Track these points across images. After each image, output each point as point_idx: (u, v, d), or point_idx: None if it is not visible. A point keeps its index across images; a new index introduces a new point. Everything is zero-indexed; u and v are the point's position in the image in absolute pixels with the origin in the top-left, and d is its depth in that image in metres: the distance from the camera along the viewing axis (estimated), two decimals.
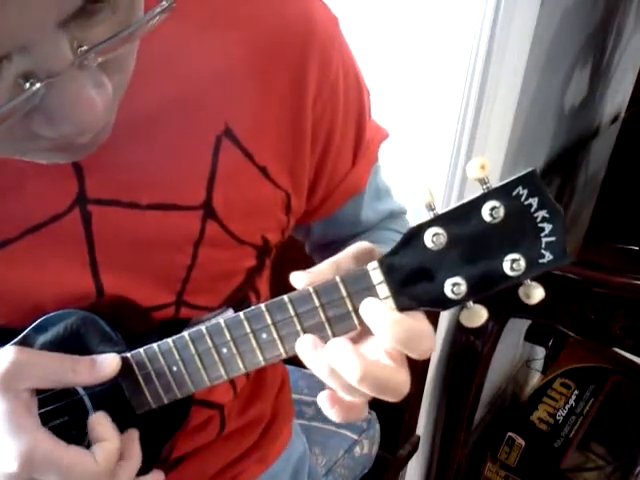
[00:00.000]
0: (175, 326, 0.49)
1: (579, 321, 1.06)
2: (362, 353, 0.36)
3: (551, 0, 1.06)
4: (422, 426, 1.29)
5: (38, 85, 0.29)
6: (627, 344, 1.07)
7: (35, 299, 0.45)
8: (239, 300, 0.55)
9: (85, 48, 0.29)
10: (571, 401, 1.58)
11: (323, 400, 0.38)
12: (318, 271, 0.39)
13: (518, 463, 1.50)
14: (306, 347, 0.38)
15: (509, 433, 1.50)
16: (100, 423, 0.42)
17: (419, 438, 1.12)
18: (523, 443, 1.49)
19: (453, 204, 0.34)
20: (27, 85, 0.28)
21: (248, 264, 0.53)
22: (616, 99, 1.79)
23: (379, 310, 0.37)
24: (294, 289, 0.39)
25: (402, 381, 0.37)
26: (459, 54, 0.91)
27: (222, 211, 0.48)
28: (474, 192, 0.34)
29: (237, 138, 0.47)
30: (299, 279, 0.39)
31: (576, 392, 1.60)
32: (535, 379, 1.83)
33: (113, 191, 0.44)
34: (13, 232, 0.43)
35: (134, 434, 0.44)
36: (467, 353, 1.21)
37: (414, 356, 0.37)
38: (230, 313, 0.54)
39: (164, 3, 0.31)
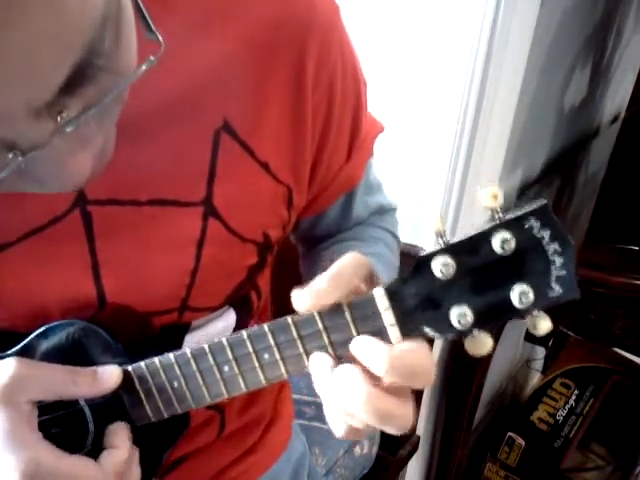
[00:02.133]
0: (176, 331, 0.49)
1: (579, 321, 1.06)
2: (369, 381, 0.35)
3: (551, 0, 1.06)
4: (422, 426, 1.29)
5: (20, 158, 0.28)
6: (627, 344, 1.07)
7: (37, 302, 0.45)
8: (240, 299, 0.55)
9: (67, 114, 0.28)
10: (571, 401, 1.58)
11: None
12: (319, 290, 0.37)
13: (518, 463, 1.50)
14: (321, 365, 0.37)
15: (509, 433, 1.50)
16: (119, 431, 0.42)
17: (419, 438, 1.12)
18: (523, 443, 1.49)
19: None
20: (10, 155, 0.28)
21: (250, 261, 0.52)
22: (616, 99, 1.79)
23: (376, 347, 0.36)
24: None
25: (404, 413, 0.36)
26: (459, 54, 0.91)
27: (223, 208, 0.47)
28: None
29: (236, 132, 0.46)
30: (302, 301, 0.37)
31: (576, 392, 1.60)
32: (535, 379, 1.83)
33: (112, 191, 0.44)
34: (13, 235, 0.43)
35: (135, 453, 0.44)
36: (467, 353, 1.20)
37: (415, 387, 0.37)
38: (231, 313, 0.54)
39: (151, 58, 0.31)
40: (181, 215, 0.46)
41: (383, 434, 1.03)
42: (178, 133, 0.45)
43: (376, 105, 0.60)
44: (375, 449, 1.01)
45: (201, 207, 0.47)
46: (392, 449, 1.06)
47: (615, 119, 1.85)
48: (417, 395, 1.11)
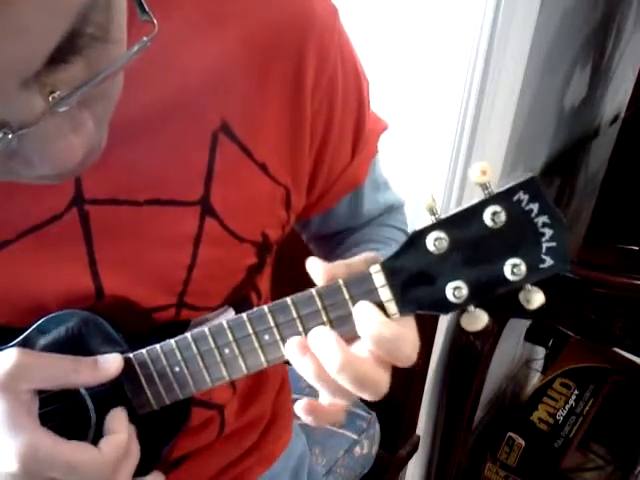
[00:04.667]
0: (176, 328, 0.49)
1: (579, 321, 1.06)
2: (344, 345, 0.37)
3: (551, 0, 1.06)
4: (422, 426, 1.29)
5: (10, 136, 0.28)
6: (627, 344, 1.07)
7: (35, 300, 0.45)
8: (239, 299, 0.55)
9: (58, 94, 0.28)
10: (571, 401, 1.58)
11: (299, 409, 0.39)
12: (331, 265, 0.39)
13: (518, 463, 1.50)
14: (293, 345, 0.39)
15: (509, 433, 1.50)
16: (117, 416, 0.43)
17: (419, 438, 1.12)
18: (523, 443, 1.49)
19: (453, 205, 0.34)
20: (0, 134, 0.28)
21: (248, 262, 0.52)
22: (616, 99, 1.79)
23: (370, 312, 0.37)
24: (296, 289, 0.39)
25: (381, 379, 0.38)
26: (459, 54, 0.91)
27: (220, 208, 0.48)
28: (474, 194, 0.34)
29: (234, 134, 0.47)
30: (316, 266, 0.39)
31: (576, 392, 1.60)
32: (535, 379, 1.83)
33: (110, 190, 0.44)
34: (11, 233, 0.43)
35: (132, 431, 0.44)
36: (467, 353, 1.21)
37: (394, 362, 0.37)
38: (230, 312, 0.54)
39: (144, 39, 0.30)
40: (178, 214, 0.46)
41: (383, 434, 1.03)
42: (176, 134, 0.45)
43: (375, 106, 0.60)
44: (375, 449, 1.01)
45: (198, 206, 0.47)
46: (392, 449, 1.07)
47: (615, 119, 1.85)
48: (417, 395, 1.11)
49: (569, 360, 1.67)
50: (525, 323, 1.66)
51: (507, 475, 1.51)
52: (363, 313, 0.37)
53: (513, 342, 1.72)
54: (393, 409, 1.06)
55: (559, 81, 1.34)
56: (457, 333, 1.22)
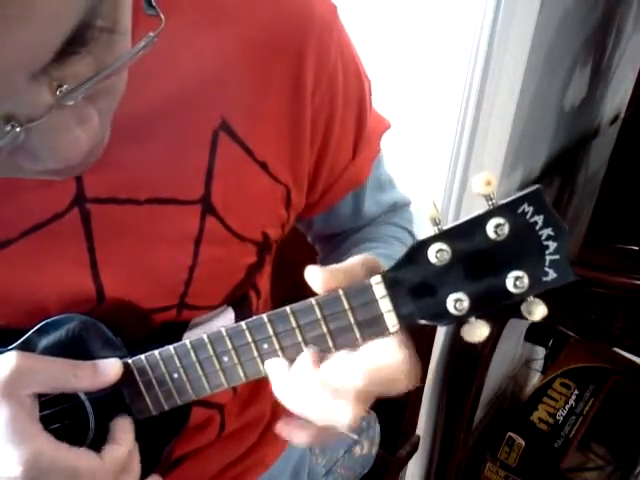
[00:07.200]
0: (176, 328, 0.49)
1: (579, 321, 1.06)
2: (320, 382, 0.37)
3: (551, 0, 1.06)
4: (422, 426, 1.29)
5: (18, 129, 0.28)
6: (627, 344, 1.07)
7: (35, 300, 0.45)
8: (239, 298, 0.55)
9: (65, 88, 0.29)
10: (571, 401, 1.58)
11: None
12: (329, 273, 0.39)
13: (518, 463, 1.50)
14: (277, 369, 0.39)
15: (509, 433, 1.50)
16: (122, 427, 0.43)
17: (419, 438, 1.12)
18: (523, 443, 1.49)
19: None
20: (8, 128, 0.28)
21: (248, 261, 0.52)
22: (616, 99, 1.79)
23: (345, 369, 0.37)
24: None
25: (338, 413, 0.38)
26: (459, 54, 0.91)
27: (221, 206, 0.48)
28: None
29: (235, 132, 0.47)
30: (314, 275, 0.38)
31: (576, 392, 1.61)
32: (535, 379, 1.83)
33: (111, 189, 0.44)
34: (12, 233, 0.43)
35: (135, 449, 0.44)
36: (467, 353, 1.21)
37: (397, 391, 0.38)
38: (230, 312, 0.54)
39: (150, 34, 0.30)
40: (179, 213, 0.46)
41: (383, 434, 1.03)
42: (177, 132, 0.45)
43: (375, 106, 0.60)
44: (375, 449, 1.01)
45: (199, 205, 0.47)
46: (392, 449, 1.07)
47: (615, 119, 1.85)
48: (417, 395, 1.11)
49: (569, 360, 1.67)
50: (525, 323, 1.66)
51: (507, 475, 1.51)
52: (340, 376, 0.37)
53: (513, 342, 1.72)
54: (393, 409, 1.06)
55: (559, 81, 1.34)
56: (457, 333, 1.22)
